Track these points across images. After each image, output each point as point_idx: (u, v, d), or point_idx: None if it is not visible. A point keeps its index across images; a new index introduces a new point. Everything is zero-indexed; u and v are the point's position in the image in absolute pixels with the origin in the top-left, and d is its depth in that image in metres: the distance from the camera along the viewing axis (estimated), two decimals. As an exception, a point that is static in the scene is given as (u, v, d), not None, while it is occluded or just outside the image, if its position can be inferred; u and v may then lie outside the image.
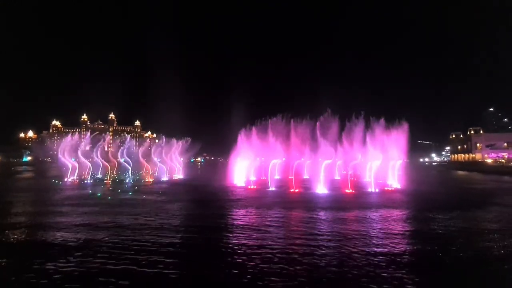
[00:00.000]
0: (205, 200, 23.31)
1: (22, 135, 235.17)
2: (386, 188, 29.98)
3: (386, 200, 22.95)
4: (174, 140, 53.55)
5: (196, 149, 58.94)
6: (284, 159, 39.42)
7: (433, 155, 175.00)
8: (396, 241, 11.43)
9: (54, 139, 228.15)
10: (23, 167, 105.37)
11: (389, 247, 10.56)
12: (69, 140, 46.25)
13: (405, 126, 33.77)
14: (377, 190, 28.34)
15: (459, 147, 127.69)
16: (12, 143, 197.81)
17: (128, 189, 31.82)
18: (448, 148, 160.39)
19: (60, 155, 45.10)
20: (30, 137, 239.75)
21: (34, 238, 11.82)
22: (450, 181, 47.70)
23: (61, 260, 9.04)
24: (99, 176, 45.17)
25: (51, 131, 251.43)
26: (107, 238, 11.71)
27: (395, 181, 32.40)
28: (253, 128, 38.76)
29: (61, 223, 14.44)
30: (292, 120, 37.41)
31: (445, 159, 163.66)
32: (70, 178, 41.18)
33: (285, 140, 36.38)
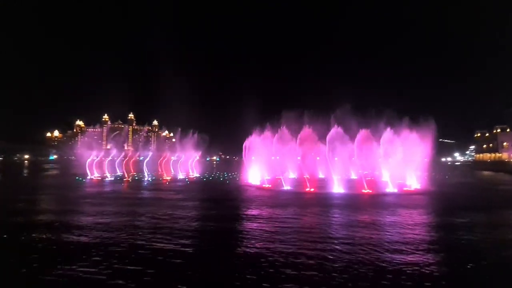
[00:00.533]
0: (219, 199, 23.64)
1: (48, 134, 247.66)
2: (405, 189, 29.06)
3: (404, 201, 22.26)
4: (189, 138, 54.50)
5: (211, 147, 59.64)
6: (299, 158, 39.15)
7: (457, 154, 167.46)
8: (412, 248, 10.79)
9: (78, 138, 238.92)
10: (50, 165, 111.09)
11: (404, 255, 10.17)
12: (90, 139, 48.22)
13: (426, 123, 32.52)
14: (395, 191, 27.58)
15: (484, 146, 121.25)
16: (39, 142, 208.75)
17: (146, 187, 32.85)
18: (472, 147, 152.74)
19: (82, 154, 47.24)
20: (56, 137, 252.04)
21: (54, 238, 11.79)
22: (474, 181, 45.47)
23: (80, 261, 8.97)
24: (119, 173, 46.88)
25: (74, 130, 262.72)
26: (124, 236, 12.14)
27: (415, 182, 31.33)
28: (267, 126, 38.62)
29: (81, 221, 14.66)
30: (305, 116, 36.69)
31: (469, 158, 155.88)
32: (92, 176, 43.06)
33: (300, 138, 36.10)
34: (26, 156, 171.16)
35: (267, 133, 38.22)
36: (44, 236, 12.09)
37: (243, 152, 39.39)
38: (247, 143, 38.74)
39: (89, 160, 45.22)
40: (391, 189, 28.07)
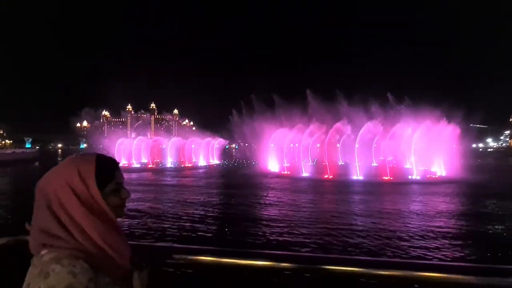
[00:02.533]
0: (239, 185, 24.21)
1: (78, 125, 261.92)
2: (429, 176, 27.96)
3: (425, 189, 21.40)
4: (208, 126, 55.50)
5: (230, 134, 60.42)
6: (318, 145, 38.71)
7: (489, 140, 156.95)
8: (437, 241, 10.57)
9: (105, 127, 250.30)
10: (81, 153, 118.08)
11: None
12: (116, 128, 50.61)
13: (456, 107, 30.71)
14: (418, 178, 26.68)
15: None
16: (70, 132, 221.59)
17: (170, 174, 34.27)
18: (507, 132, 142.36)
19: (109, 142, 49.82)
20: (84, 127, 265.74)
21: None
22: (506, 169, 42.69)
23: None
24: (144, 161, 49.07)
25: (101, 120, 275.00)
26: (152, 221, 12.94)
27: (440, 169, 29.94)
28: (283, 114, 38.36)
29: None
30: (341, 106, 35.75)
31: (503, 144, 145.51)
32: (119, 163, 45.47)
33: (319, 123, 35.61)
34: (59, 145, 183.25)
35: (287, 121, 38.06)
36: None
37: (262, 140, 39.58)
38: (266, 130, 38.77)
39: (114, 148, 47.65)
40: (414, 176, 27.19)
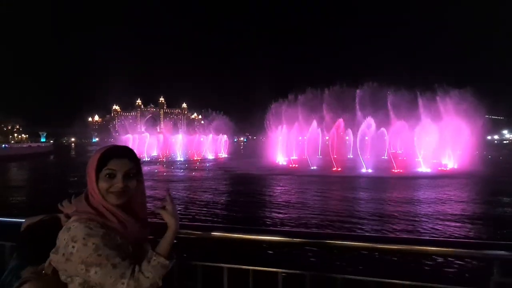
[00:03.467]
0: (247, 177, 24.43)
1: (90, 119, 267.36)
2: (440, 168, 27.38)
3: (436, 182, 20.83)
4: (217, 120, 55.82)
5: (238, 128, 60.79)
6: (327, 138, 38.38)
7: (505, 132, 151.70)
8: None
9: (116, 122, 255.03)
10: (93, 147, 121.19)
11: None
12: (126, 122, 51.58)
13: (470, 98, 29.57)
14: (429, 171, 26.22)
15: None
16: (83, 126, 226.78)
17: (179, 166, 34.87)
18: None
19: (120, 136, 50.86)
20: (96, 121, 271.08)
21: None
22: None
23: None
24: (155, 154, 49.94)
25: (112, 115, 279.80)
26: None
27: (451, 161, 29.24)
28: (295, 106, 38.05)
29: None
30: (328, 91, 35.34)
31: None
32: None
33: (328, 116, 35.19)
34: (73, 139, 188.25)
35: (295, 113, 37.78)
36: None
37: (270, 133, 39.57)
38: (274, 123, 38.68)
39: (126, 142, 48.59)
40: (424, 169, 26.72)
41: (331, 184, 20.94)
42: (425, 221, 11.34)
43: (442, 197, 15.54)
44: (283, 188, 19.46)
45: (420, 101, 32.19)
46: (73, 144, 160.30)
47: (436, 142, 28.77)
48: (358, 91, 34.06)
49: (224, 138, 55.86)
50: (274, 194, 17.39)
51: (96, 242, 1.13)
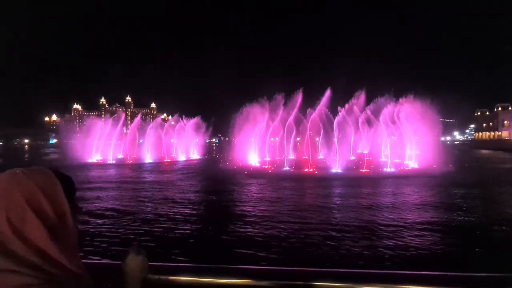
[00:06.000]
0: (218, 179, 24.01)
1: (46, 119, 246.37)
2: (402, 168, 29.45)
3: (399, 180, 22.59)
4: (187, 120, 54.40)
5: (210, 129, 59.84)
6: (298, 139, 39.22)
7: (456, 133, 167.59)
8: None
9: (76, 122, 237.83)
10: (50, 149, 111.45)
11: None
12: (90, 122, 48.26)
13: (426, 103, 32.31)
14: (393, 170, 27.96)
15: (484, 125, 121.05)
16: (38, 126, 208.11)
17: (148, 169, 33.24)
18: (472, 126, 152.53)
19: (82, 137, 47.39)
20: (54, 121, 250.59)
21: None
22: (471, 160, 45.88)
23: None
24: (121, 156, 47.21)
25: (72, 114, 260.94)
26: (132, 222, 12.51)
27: (412, 161, 31.68)
28: (266, 105, 38.28)
29: (86, 207, 14.44)
30: (301, 94, 36.29)
31: (469, 137, 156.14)
32: (93, 159, 43.45)
33: (298, 118, 36.02)
34: (26, 141, 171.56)
35: (268, 114, 38.05)
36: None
37: (242, 134, 39.41)
38: (245, 124, 38.59)
39: (89, 143, 45.41)
40: (388, 168, 28.44)
41: (303, 183, 21.40)
42: (388, 216, 11.97)
43: (406, 200, 16.63)
44: (256, 192, 19.38)
45: (384, 106, 34.44)
46: (26, 146, 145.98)
47: (397, 144, 31.18)
48: (327, 92, 35.21)
49: (195, 140, 54.65)
50: (247, 197, 17.24)
51: None
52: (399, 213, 12.75)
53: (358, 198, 16.16)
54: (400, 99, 33.92)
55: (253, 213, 12.95)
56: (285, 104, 36.92)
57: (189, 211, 13.51)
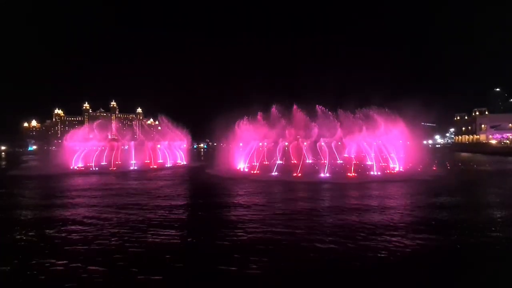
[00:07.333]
0: (206, 186, 23.68)
1: (26, 124, 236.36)
2: (388, 171, 30.12)
3: (385, 184, 23.05)
4: (174, 125, 53.67)
5: (197, 134, 59.40)
6: (286, 143, 39.39)
7: (437, 137, 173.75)
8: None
9: (58, 128, 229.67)
10: (29, 156, 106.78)
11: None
12: (71, 128, 46.60)
13: (408, 108, 33.46)
14: (379, 173, 28.51)
15: (463, 128, 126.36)
16: (16, 132, 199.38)
17: (133, 176, 32.35)
18: (452, 130, 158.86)
19: (65, 143, 45.65)
20: (33, 127, 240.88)
21: (41, 235, 11.15)
22: (452, 162, 47.63)
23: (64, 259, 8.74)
24: (104, 163, 45.74)
25: (54, 120, 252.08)
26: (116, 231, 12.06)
27: (397, 164, 32.44)
28: (257, 113, 38.48)
29: (67, 216, 14.02)
30: (294, 104, 36.88)
31: (449, 141, 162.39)
32: (75, 166, 41.84)
33: (287, 125, 36.34)
34: (3, 148, 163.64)
35: (256, 120, 38.18)
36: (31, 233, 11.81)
37: (231, 139, 39.25)
38: (234, 129, 38.51)
39: (72, 150, 43.78)
40: (374, 172, 28.99)
41: (292, 188, 21.43)
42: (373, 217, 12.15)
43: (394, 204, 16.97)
44: (245, 197, 19.22)
45: (370, 112, 35.38)
46: (3, 153, 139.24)
47: (383, 148, 31.95)
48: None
49: (183, 145, 53.82)
50: (234, 203, 17.06)
51: None
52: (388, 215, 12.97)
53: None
54: (384, 106, 34.95)
55: (241, 218, 12.80)
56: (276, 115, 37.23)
57: (174, 217, 13.20)
